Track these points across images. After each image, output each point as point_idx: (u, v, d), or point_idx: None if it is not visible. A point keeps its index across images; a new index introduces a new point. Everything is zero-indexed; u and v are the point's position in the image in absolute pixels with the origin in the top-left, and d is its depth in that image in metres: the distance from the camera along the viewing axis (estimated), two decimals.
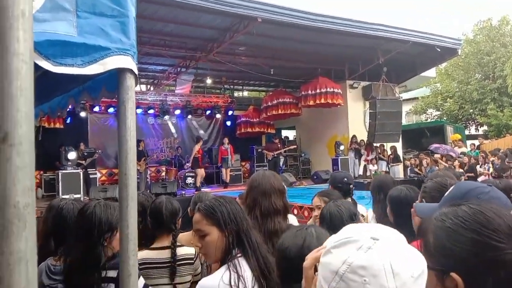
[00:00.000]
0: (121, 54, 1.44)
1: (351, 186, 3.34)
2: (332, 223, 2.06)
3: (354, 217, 2.13)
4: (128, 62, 1.45)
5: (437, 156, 13.72)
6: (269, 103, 15.74)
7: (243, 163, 16.12)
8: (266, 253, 1.73)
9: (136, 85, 1.52)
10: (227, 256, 1.66)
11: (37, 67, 1.94)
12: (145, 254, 2.43)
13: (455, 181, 2.07)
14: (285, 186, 2.59)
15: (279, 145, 14.75)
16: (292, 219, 2.73)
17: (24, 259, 0.61)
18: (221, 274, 1.59)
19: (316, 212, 2.71)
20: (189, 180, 13.45)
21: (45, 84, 2.33)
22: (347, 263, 0.79)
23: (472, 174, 11.52)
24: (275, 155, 14.39)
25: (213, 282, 1.57)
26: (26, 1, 0.66)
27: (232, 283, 1.55)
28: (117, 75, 1.51)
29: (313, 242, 1.40)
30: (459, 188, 1.46)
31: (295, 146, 15.95)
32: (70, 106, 2.56)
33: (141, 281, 2.00)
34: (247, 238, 1.71)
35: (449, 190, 1.49)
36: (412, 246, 0.85)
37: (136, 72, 1.50)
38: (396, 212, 2.46)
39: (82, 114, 13.50)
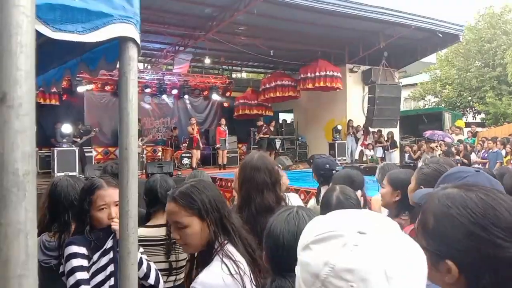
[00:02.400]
0: (124, 21, 1.36)
1: (333, 172, 3.27)
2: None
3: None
4: (131, 30, 1.38)
5: (433, 144, 13.73)
6: (268, 85, 15.61)
7: (240, 145, 16.07)
8: (247, 235, 1.68)
9: (138, 56, 1.45)
10: (214, 246, 1.57)
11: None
12: (141, 231, 2.41)
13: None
14: (279, 169, 2.54)
15: (263, 128, 14.73)
16: (294, 198, 2.69)
17: (24, 231, 0.55)
18: (219, 268, 1.49)
19: None
20: (185, 161, 13.41)
21: (41, 55, 2.24)
22: (330, 265, 0.66)
23: (466, 161, 11.53)
24: (260, 138, 14.49)
25: (217, 281, 1.46)
26: None
27: (233, 273, 1.47)
28: (118, 44, 1.44)
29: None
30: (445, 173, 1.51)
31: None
32: (65, 83, 2.49)
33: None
34: (230, 223, 1.62)
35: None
36: (407, 235, 0.75)
37: (139, 42, 1.43)
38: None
39: (79, 89, 13.31)
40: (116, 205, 1.92)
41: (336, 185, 2.34)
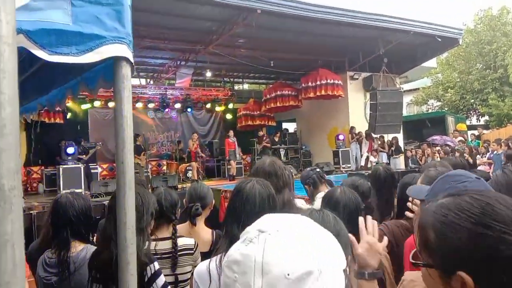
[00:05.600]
0: (117, 42, 1.43)
1: (319, 179, 3.35)
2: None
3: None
4: (123, 50, 1.45)
5: (436, 149, 13.72)
6: (269, 96, 15.73)
7: (244, 156, 16.13)
8: None
9: (132, 74, 1.51)
10: None
11: (34, 59, 1.93)
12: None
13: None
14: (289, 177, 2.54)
15: (264, 138, 14.82)
16: (299, 203, 2.71)
17: (10, 242, 0.60)
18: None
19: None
20: (190, 174, 13.49)
21: (42, 77, 2.32)
22: (227, 256, 0.72)
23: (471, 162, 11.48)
24: (262, 148, 14.58)
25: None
26: None
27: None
28: (113, 64, 1.51)
29: (331, 220, 1.34)
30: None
31: (269, 145, 15.59)
32: (69, 101, 2.57)
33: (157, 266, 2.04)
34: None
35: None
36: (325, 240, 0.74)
37: (132, 60, 1.50)
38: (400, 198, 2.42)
39: (83, 107, 13.50)
40: None
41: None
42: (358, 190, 2.70)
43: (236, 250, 0.71)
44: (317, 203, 2.77)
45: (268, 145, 14.93)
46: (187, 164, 13.71)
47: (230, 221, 1.75)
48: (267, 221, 0.74)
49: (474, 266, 0.81)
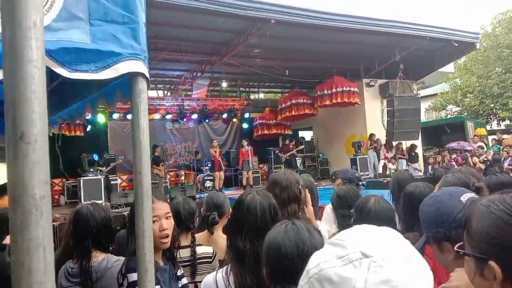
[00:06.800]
0: (133, 59, 1.50)
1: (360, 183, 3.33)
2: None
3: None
4: (139, 66, 1.51)
5: (452, 156, 13.55)
6: (284, 105, 15.77)
7: (261, 166, 16.17)
8: None
9: (148, 88, 1.58)
10: None
11: (55, 76, 2.02)
12: None
13: (474, 179, 2.05)
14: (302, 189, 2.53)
15: (290, 146, 14.83)
16: (323, 229, 2.65)
17: (42, 245, 0.68)
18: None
19: None
20: (208, 184, 13.58)
21: (63, 92, 2.42)
22: (319, 267, 0.68)
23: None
24: (287, 157, 14.48)
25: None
26: (38, 12, 0.72)
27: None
28: (129, 79, 1.58)
29: (306, 235, 1.35)
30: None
31: (303, 146, 15.89)
32: (89, 114, 2.66)
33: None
34: None
35: None
36: (421, 266, 0.70)
37: (148, 75, 1.56)
38: (407, 210, 2.28)
39: (102, 120, 13.82)
40: (167, 217, 2.01)
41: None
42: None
43: (331, 267, 0.66)
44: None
45: (296, 153, 14.96)
46: (205, 174, 13.82)
47: (233, 233, 1.78)
48: (371, 241, 0.69)
49: (504, 254, 0.85)
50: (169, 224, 2.00)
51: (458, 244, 1.01)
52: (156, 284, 1.78)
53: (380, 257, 0.65)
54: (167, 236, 1.98)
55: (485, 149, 14.67)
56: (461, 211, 1.35)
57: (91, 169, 11.16)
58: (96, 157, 11.13)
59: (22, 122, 0.69)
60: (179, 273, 2.11)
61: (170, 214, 2.04)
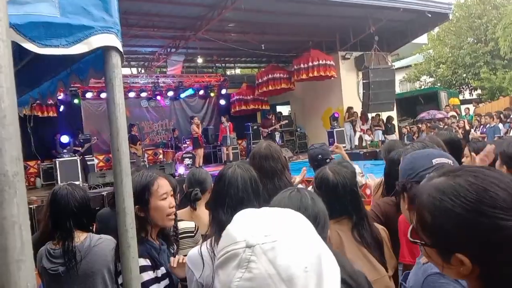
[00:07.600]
0: (105, 32, 1.45)
1: (327, 160, 3.32)
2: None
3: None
4: (112, 40, 1.47)
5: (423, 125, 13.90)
6: (261, 80, 15.69)
7: (239, 141, 16.17)
8: None
9: (122, 63, 1.54)
10: None
11: (24, 53, 1.95)
12: (183, 224, 2.50)
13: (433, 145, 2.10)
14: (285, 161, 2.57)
15: (273, 121, 14.86)
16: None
17: (18, 223, 0.66)
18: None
19: None
20: (187, 161, 13.52)
21: (33, 70, 2.34)
22: None
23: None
24: (270, 132, 14.51)
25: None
26: None
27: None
28: (102, 54, 1.53)
29: (309, 203, 1.37)
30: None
31: (287, 121, 16.07)
32: (61, 94, 2.58)
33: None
34: None
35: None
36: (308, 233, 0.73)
37: (121, 49, 1.52)
38: (387, 172, 2.47)
39: (75, 101, 13.48)
40: (171, 195, 1.99)
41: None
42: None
43: (239, 280, 0.66)
44: None
45: (279, 128, 14.98)
46: (184, 152, 13.75)
47: (215, 206, 1.79)
48: (241, 229, 0.71)
49: (470, 250, 0.82)
50: (173, 201, 2.01)
51: (410, 231, 0.97)
52: (160, 266, 1.83)
53: (261, 236, 0.67)
54: (174, 213, 1.98)
55: (458, 118, 15.04)
56: (425, 170, 1.44)
57: (66, 150, 10.94)
58: (66, 139, 10.88)
59: None
60: (173, 251, 2.13)
61: (172, 192, 2.03)
